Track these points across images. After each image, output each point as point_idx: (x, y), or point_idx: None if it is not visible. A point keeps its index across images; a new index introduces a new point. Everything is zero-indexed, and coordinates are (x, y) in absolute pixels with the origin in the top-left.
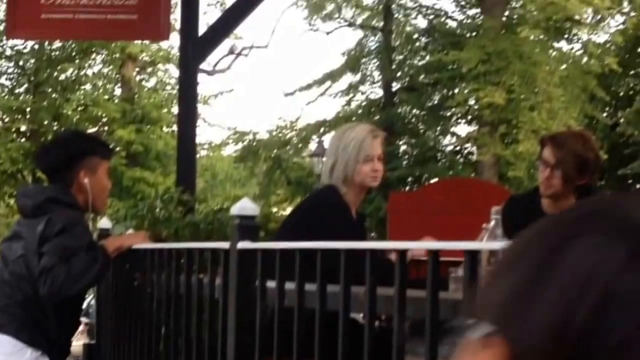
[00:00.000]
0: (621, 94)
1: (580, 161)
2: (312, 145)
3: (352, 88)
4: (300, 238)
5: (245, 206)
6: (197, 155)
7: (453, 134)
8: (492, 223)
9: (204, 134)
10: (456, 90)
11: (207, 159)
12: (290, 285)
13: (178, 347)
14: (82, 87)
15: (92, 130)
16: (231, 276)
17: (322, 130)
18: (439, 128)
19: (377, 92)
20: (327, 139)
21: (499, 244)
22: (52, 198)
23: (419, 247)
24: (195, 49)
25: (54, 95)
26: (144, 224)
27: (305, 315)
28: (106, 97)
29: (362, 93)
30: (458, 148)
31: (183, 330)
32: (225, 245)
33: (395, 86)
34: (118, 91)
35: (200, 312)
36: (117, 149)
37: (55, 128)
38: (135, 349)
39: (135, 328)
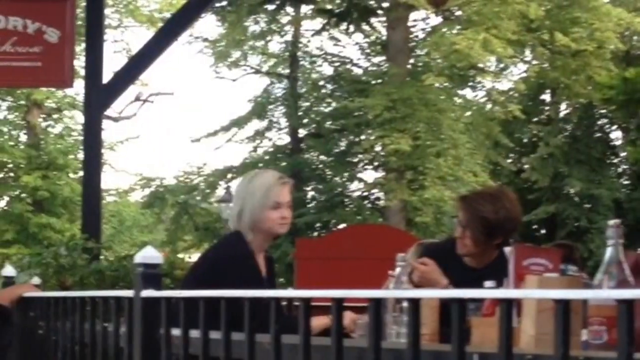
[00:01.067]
0: (525, 140)
1: (487, 224)
2: (220, 191)
3: (259, 134)
4: (206, 286)
5: (149, 254)
6: (104, 201)
7: (360, 179)
8: (398, 270)
9: (110, 180)
10: (362, 137)
11: (114, 204)
12: (195, 334)
13: None
14: None
15: None
16: (135, 324)
17: (229, 176)
18: (346, 174)
19: (284, 139)
20: (235, 185)
21: (403, 292)
22: None
23: (322, 295)
24: (100, 95)
25: None
26: (49, 272)
27: None
28: (11, 143)
29: (269, 139)
30: (366, 194)
31: None
32: (129, 293)
33: (302, 132)
34: (23, 137)
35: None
36: (23, 195)
37: None
38: None
39: None
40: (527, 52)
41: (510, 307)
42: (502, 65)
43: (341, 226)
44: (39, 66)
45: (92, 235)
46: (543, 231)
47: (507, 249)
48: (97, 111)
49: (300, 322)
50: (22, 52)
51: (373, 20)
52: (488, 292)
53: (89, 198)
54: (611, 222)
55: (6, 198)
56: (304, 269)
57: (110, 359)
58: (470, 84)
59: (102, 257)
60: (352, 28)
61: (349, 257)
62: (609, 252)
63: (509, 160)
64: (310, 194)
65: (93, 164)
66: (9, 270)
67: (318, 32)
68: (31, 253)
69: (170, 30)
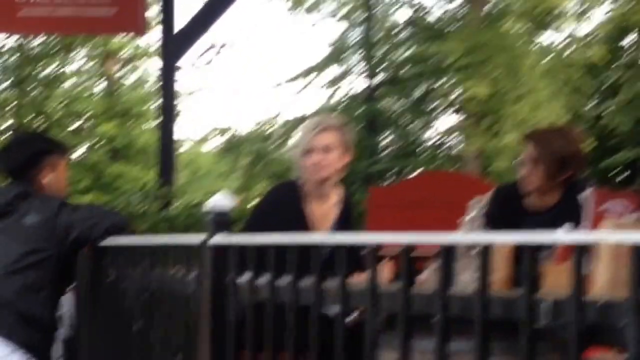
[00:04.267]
0: (606, 85)
1: (561, 157)
2: (292, 141)
3: (335, 81)
4: (253, 230)
5: (220, 201)
6: (179, 151)
7: (435, 127)
8: (471, 215)
9: (185, 129)
10: (439, 83)
11: (188, 154)
12: (263, 280)
13: (151, 342)
14: (65, 82)
15: (76, 125)
16: (205, 271)
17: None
18: (421, 121)
19: (360, 86)
20: None
21: (475, 237)
22: (21, 194)
23: (391, 241)
24: (175, 42)
25: (36, 92)
26: None
27: (279, 309)
28: (88, 92)
29: (345, 86)
30: (440, 141)
31: (158, 325)
32: (199, 239)
33: (378, 79)
34: (100, 87)
35: (175, 307)
36: (99, 144)
37: (38, 124)
38: (111, 343)
39: (111, 323)
40: None
41: (583, 252)
42: (583, 8)
43: (415, 174)
44: (112, 14)
45: (165, 182)
46: (624, 175)
47: (583, 195)
48: (172, 58)
49: (369, 268)
50: (95, 1)
51: None
52: (559, 236)
53: (164, 145)
54: None
55: (83, 148)
56: (376, 217)
57: (180, 306)
58: (550, 28)
59: (173, 205)
60: None
61: (422, 205)
62: None
63: (590, 106)
64: (385, 141)
65: (168, 111)
66: None
67: None
68: (107, 200)
69: None
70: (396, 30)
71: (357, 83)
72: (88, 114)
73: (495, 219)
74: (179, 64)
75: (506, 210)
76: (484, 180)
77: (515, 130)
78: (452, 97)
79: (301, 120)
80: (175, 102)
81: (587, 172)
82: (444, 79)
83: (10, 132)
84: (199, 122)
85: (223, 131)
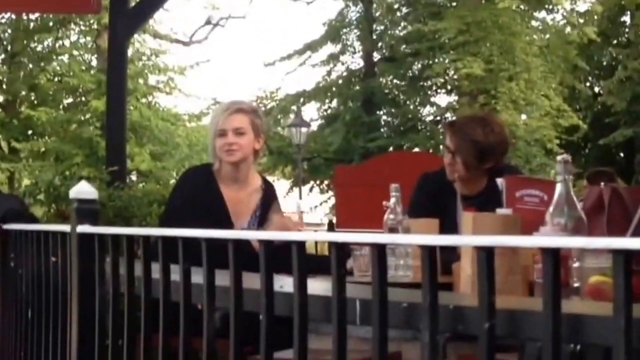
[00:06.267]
0: (603, 63)
1: (479, 148)
2: (292, 116)
3: (333, 58)
4: (169, 215)
5: (83, 189)
6: (174, 126)
7: (433, 104)
8: (392, 200)
9: (181, 105)
10: (435, 61)
11: (184, 129)
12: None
13: (44, 329)
14: (59, 57)
15: (68, 100)
16: (72, 260)
17: (301, 100)
18: (418, 98)
19: (358, 63)
20: (306, 110)
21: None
22: None
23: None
24: (125, 21)
25: (30, 66)
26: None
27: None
28: (82, 67)
29: (343, 63)
30: (438, 118)
31: (45, 313)
32: (66, 228)
33: (376, 57)
34: (94, 62)
35: (52, 294)
36: (93, 119)
37: (31, 98)
38: (13, 330)
39: (12, 309)
40: None
41: (433, 253)
42: None
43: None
44: None
45: (115, 162)
46: (621, 154)
47: (499, 180)
48: (122, 37)
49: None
50: None
51: None
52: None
53: (112, 129)
54: (559, 157)
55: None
56: (343, 195)
57: (56, 294)
58: (546, 6)
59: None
60: None
61: (386, 185)
62: (558, 188)
63: (586, 84)
64: (383, 118)
65: (117, 89)
66: None
67: None
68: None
69: None
70: (396, 6)
71: (354, 60)
72: (81, 90)
73: (421, 206)
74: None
75: (435, 196)
76: None
77: (509, 109)
78: (448, 74)
79: (300, 95)
80: (126, 81)
81: (587, 150)
82: (442, 56)
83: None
84: (194, 97)
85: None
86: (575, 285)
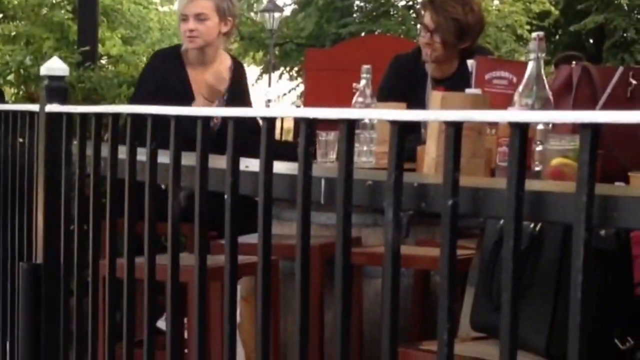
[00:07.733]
0: None
1: (459, 26)
2: (265, 0)
3: None
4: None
5: (54, 65)
6: (146, 10)
7: None
8: (362, 82)
9: None
10: None
11: (156, 14)
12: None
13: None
14: None
15: None
16: (40, 141)
17: None
18: None
19: None
20: None
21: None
22: None
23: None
24: None
25: None
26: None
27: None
28: None
29: None
30: (411, 3)
31: (9, 196)
32: (34, 108)
33: None
34: None
35: (16, 177)
36: (64, 3)
37: None
38: None
39: None
40: None
41: (402, 129)
42: None
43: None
44: None
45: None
46: (591, 41)
47: (470, 62)
48: None
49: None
50: None
51: None
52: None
53: (84, 12)
54: (534, 34)
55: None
56: (313, 80)
57: (22, 175)
58: None
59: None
60: None
61: (356, 68)
62: (529, 66)
63: None
64: (356, 3)
65: None
66: None
67: None
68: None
69: None
70: None
71: None
72: None
73: (390, 89)
74: None
75: (406, 77)
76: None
77: None
78: None
79: None
80: None
81: (557, 37)
82: None
83: None
84: None
85: None
86: (537, 169)
